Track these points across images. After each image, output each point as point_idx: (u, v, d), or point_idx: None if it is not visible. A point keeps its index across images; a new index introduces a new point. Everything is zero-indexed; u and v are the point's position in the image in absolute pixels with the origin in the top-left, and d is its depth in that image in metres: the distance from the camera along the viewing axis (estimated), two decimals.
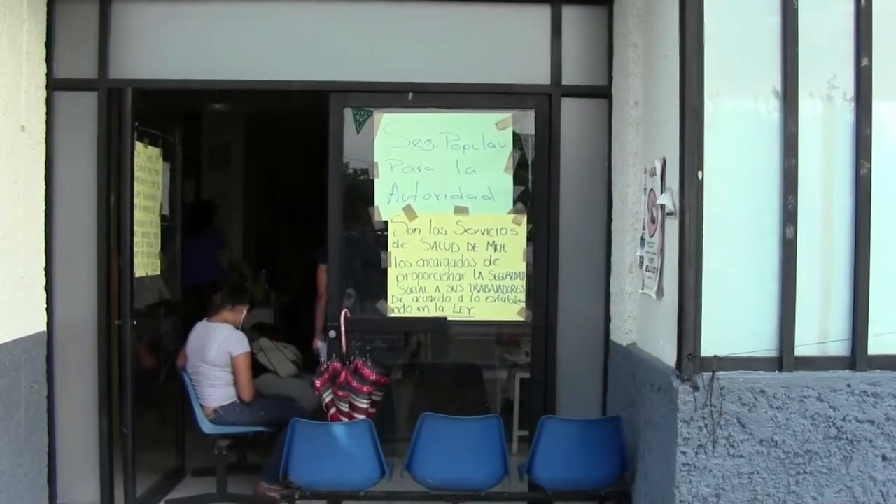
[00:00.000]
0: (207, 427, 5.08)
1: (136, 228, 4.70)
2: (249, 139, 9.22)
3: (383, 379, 4.62)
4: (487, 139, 4.68)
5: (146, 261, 4.95)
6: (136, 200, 4.67)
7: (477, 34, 4.74)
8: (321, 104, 4.68)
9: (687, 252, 3.45)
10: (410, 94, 4.68)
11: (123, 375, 4.68)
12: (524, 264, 4.70)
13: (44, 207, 4.57)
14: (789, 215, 3.48)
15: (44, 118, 4.57)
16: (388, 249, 4.69)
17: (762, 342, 3.50)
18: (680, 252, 3.49)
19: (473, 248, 4.69)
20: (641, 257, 4.19)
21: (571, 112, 4.73)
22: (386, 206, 4.69)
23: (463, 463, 4.08)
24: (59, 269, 4.64)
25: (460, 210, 4.68)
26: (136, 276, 4.76)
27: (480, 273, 4.69)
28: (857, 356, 3.51)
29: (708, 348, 3.45)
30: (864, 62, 3.50)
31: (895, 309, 3.55)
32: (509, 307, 4.70)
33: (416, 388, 5.90)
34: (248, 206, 9.31)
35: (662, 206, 3.78)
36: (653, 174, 3.98)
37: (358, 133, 4.72)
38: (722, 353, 3.45)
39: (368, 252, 4.85)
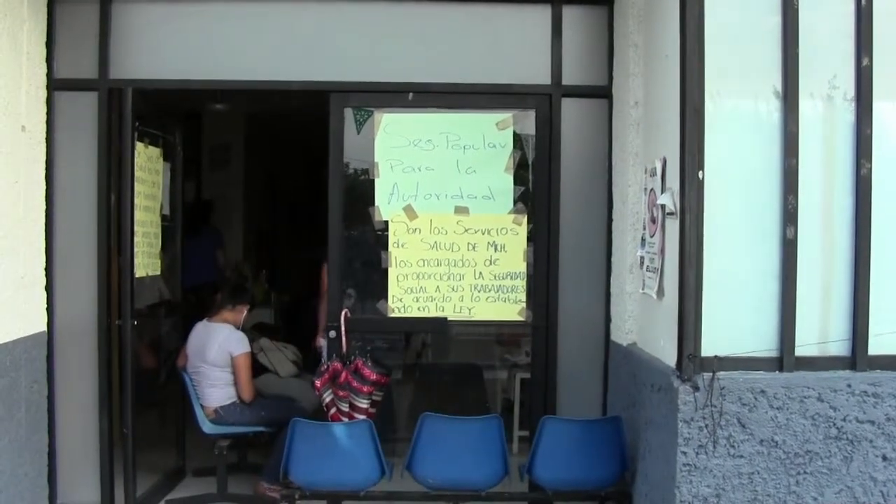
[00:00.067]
0: (208, 427, 5.08)
1: (136, 228, 4.69)
2: (250, 139, 9.22)
3: (383, 379, 4.62)
4: (488, 139, 4.68)
5: (146, 261, 4.95)
6: (136, 200, 4.67)
7: (477, 34, 4.74)
8: (321, 104, 4.68)
9: (687, 252, 3.45)
10: (411, 95, 4.68)
11: (124, 375, 4.68)
12: (524, 264, 4.70)
13: (44, 207, 4.57)
14: (790, 215, 3.48)
15: (44, 118, 4.57)
16: (389, 249, 4.69)
17: (763, 342, 3.50)
18: (680, 252, 3.49)
19: (474, 248, 4.69)
20: (642, 257, 4.19)
21: (572, 112, 4.73)
22: (386, 206, 4.69)
23: (463, 463, 4.08)
24: (60, 269, 4.64)
25: (461, 210, 4.68)
26: (137, 276, 4.76)
27: (481, 273, 4.69)
28: (857, 356, 3.51)
29: (708, 348, 3.45)
30: (865, 62, 3.51)
31: (895, 309, 3.55)
32: (510, 307, 4.70)
33: (416, 389, 5.90)
34: (248, 206, 9.31)
35: (663, 207, 3.78)
36: (653, 174, 3.98)
37: (358, 133, 4.72)
38: (722, 353, 3.45)
39: (369, 252, 4.85)
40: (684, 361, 3.43)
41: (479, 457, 4.10)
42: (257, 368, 5.49)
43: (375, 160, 4.70)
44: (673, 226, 3.64)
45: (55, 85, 4.61)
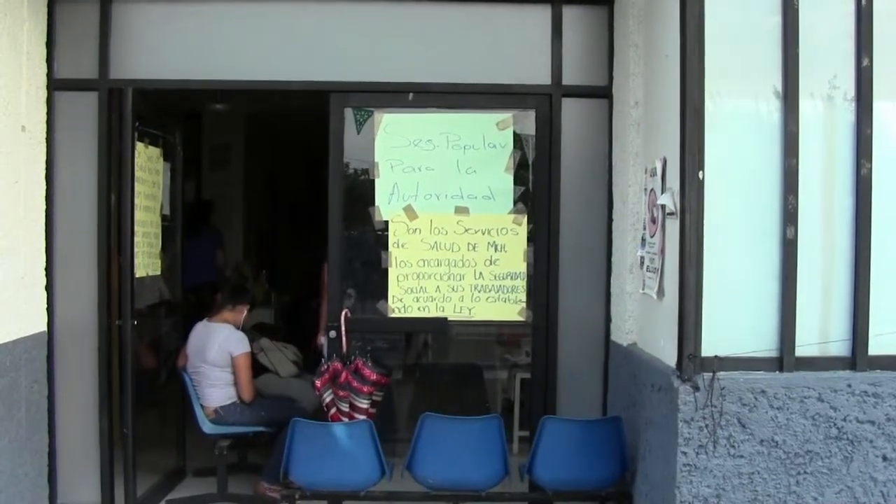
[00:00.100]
0: (208, 427, 5.08)
1: (136, 228, 4.69)
2: (250, 139, 9.22)
3: (384, 379, 4.62)
4: (488, 139, 4.68)
5: (147, 261, 4.95)
6: (136, 200, 4.67)
7: (477, 34, 4.74)
8: (321, 104, 4.68)
9: (687, 252, 3.45)
10: (411, 95, 4.68)
11: (124, 375, 4.68)
12: (525, 264, 4.70)
13: (44, 207, 4.57)
14: (790, 215, 3.48)
15: (44, 118, 4.57)
16: (389, 249, 4.69)
17: (763, 342, 3.50)
18: (680, 252, 3.49)
19: (474, 248, 4.68)
20: (642, 257, 4.19)
21: (572, 112, 4.72)
22: (386, 206, 4.69)
23: (463, 463, 4.08)
24: (60, 269, 4.64)
25: (461, 210, 4.68)
26: (137, 276, 4.76)
27: (481, 273, 4.69)
28: (857, 356, 3.51)
29: (708, 348, 3.45)
30: (865, 62, 3.51)
31: (895, 309, 3.55)
32: (510, 307, 4.70)
33: (416, 389, 5.90)
34: (248, 206, 9.31)
35: (663, 207, 3.77)
36: (653, 174, 3.98)
37: (358, 133, 4.72)
38: (722, 353, 3.45)
39: (369, 252, 4.85)
40: (684, 361, 3.43)
41: (479, 457, 4.10)
42: (257, 368, 5.49)
43: (375, 160, 4.70)
44: (673, 226, 3.64)
45: (55, 85, 4.61)
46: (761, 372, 3.47)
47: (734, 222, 3.51)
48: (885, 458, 3.45)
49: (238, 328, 5.25)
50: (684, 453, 3.41)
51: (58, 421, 4.63)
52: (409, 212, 4.69)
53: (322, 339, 5.21)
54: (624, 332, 4.40)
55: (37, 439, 4.43)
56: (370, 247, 4.85)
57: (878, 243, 3.52)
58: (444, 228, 4.68)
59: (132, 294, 4.65)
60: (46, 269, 4.57)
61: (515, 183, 4.69)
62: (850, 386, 3.45)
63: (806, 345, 3.51)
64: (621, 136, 4.50)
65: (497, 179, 4.68)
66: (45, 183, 4.57)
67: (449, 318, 4.69)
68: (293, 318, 7.84)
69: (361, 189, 4.80)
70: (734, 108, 3.51)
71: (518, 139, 4.71)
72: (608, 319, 4.67)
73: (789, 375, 3.46)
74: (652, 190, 4.01)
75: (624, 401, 4.27)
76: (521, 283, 4.69)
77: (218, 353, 5.06)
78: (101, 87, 4.65)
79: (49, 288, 4.59)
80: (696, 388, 3.40)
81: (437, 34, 4.75)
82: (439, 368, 6.10)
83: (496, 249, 4.69)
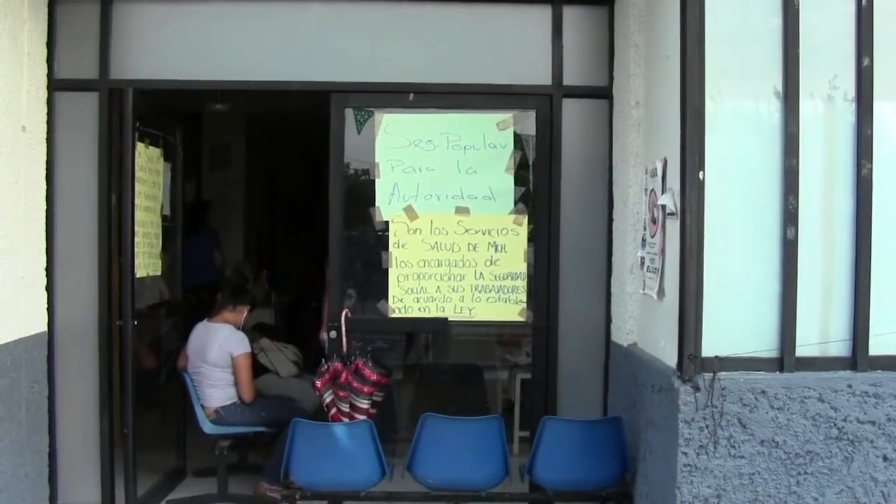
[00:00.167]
0: (208, 427, 5.08)
1: (136, 229, 4.69)
2: (250, 139, 9.22)
3: (384, 379, 4.62)
4: (488, 140, 4.68)
5: (147, 261, 4.95)
6: (136, 201, 4.67)
7: (477, 34, 4.73)
8: (321, 105, 4.68)
9: (688, 253, 3.45)
10: (411, 95, 4.68)
11: (124, 376, 4.68)
12: (525, 265, 4.70)
13: (45, 208, 4.57)
14: (790, 216, 3.48)
15: (45, 118, 4.57)
16: (389, 250, 4.69)
17: (763, 342, 3.50)
18: (681, 253, 3.49)
19: (474, 248, 4.68)
20: (642, 258, 4.19)
21: (572, 112, 4.72)
22: (387, 206, 4.69)
23: (464, 463, 4.08)
24: (60, 270, 4.64)
25: (461, 210, 4.68)
26: (137, 276, 4.76)
27: (481, 273, 4.69)
28: (858, 357, 3.51)
29: (709, 349, 3.45)
30: (866, 62, 3.51)
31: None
32: (510, 308, 4.70)
33: (416, 389, 5.90)
34: (248, 206, 9.30)
35: (663, 207, 3.77)
36: (654, 175, 3.98)
37: (359, 133, 4.72)
38: (723, 353, 3.46)
39: (369, 252, 4.85)
40: (685, 362, 3.43)
41: (479, 457, 4.10)
42: (258, 369, 5.49)
43: (376, 160, 4.70)
44: (673, 226, 3.64)
45: (56, 85, 4.61)
46: (762, 372, 3.47)
47: (734, 222, 3.51)
48: (885, 459, 3.45)
49: (238, 328, 5.25)
50: (685, 454, 3.41)
51: (58, 421, 4.63)
52: (410, 212, 4.69)
53: (324, 335, 5.20)
54: (624, 332, 4.40)
55: (37, 439, 4.43)
56: (371, 247, 4.85)
57: (879, 243, 3.52)
58: (445, 229, 4.68)
59: (132, 294, 4.65)
60: (47, 270, 4.57)
61: (516, 183, 4.69)
62: (850, 386, 3.45)
63: (806, 345, 3.51)
64: (622, 137, 4.50)
65: (497, 180, 4.68)
66: (45, 183, 4.57)
67: (449, 319, 4.69)
68: (293, 319, 7.84)
69: (362, 189, 4.80)
70: (734, 108, 3.52)
71: (518, 139, 4.71)
72: (608, 320, 4.67)
73: (790, 376, 3.46)
74: (652, 190, 4.01)
75: (624, 401, 4.27)
76: (522, 284, 4.69)
77: (218, 354, 5.06)
78: (101, 88, 4.65)
79: (49, 288, 4.59)
80: (697, 389, 3.40)
81: (437, 34, 4.75)
82: (440, 369, 6.10)
83: (496, 250, 4.68)
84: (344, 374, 4.52)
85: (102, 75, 4.66)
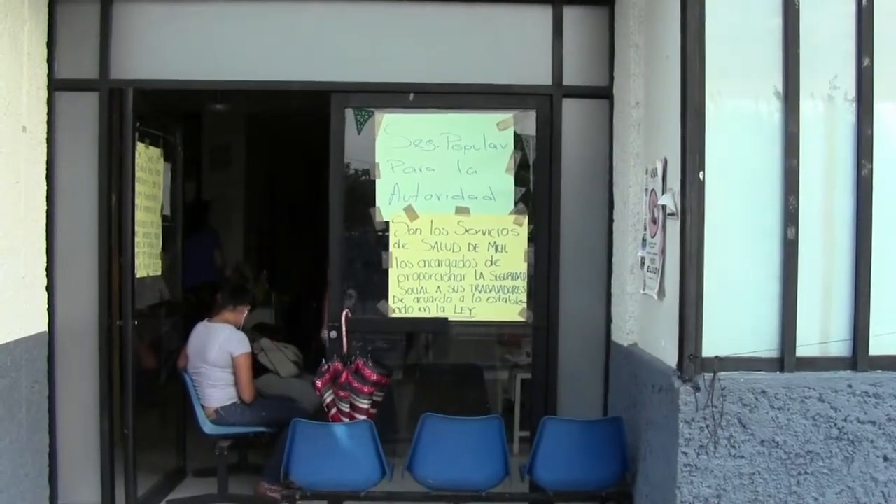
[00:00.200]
0: (208, 427, 5.08)
1: (137, 229, 4.69)
2: (250, 139, 9.22)
3: (384, 379, 4.62)
4: (488, 140, 4.68)
5: (147, 261, 4.95)
6: (137, 201, 4.67)
7: (477, 34, 4.73)
8: (322, 105, 4.68)
9: (688, 253, 3.45)
10: (411, 95, 4.68)
11: (124, 376, 4.68)
12: (525, 265, 4.70)
13: (45, 208, 4.57)
14: (790, 216, 3.48)
15: (45, 118, 4.57)
16: (390, 250, 4.69)
17: (763, 343, 3.50)
18: (681, 253, 3.49)
19: (474, 248, 4.68)
20: (643, 258, 4.19)
21: (573, 113, 4.72)
22: (387, 206, 4.69)
23: (464, 463, 4.08)
24: (61, 270, 4.64)
25: (461, 210, 4.68)
26: (138, 276, 4.76)
27: (481, 273, 4.69)
28: (858, 357, 3.51)
29: (709, 349, 3.45)
30: (866, 62, 3.51)
31: None
32: (510, 308, 4.70)
33: (417, 389, 5.90)
34: (248, 206, 9.31)
35: (664, 207, 3.77)
36: (654, 175, 3.98)
37: (359, 133, 4.72)
38: (723, 353, 3.45)
39: (369, 252, 4.85)
40: (685, 362, 3.43)
41: (479, 457, 4.10)
42: (258, 369, 5.49)
43: (376, 160, 4.69)
44: (674, 226, 3.64)
45: (56, 85, 4.61)
46: (762, 372, 3.47)
47: (735, 223, 3.51)
48: (885, 459, 3.45)
49: (239, 328, 5.25)
50: (685, 454, 3.41)
51: (58, 421, 4.63)
52: (410, 212, 4.69)
53: (325, 334, 5.20)
54: (625, 332, 4.40)
55: (37, 440, 4.43)
56: (371, 247, 4.85)
57: (879, 243, 3.52)
58: (445, 229, 4.68)
59: (133, 294, 4.66)
60: (47, 270, 4.57)
61: (516, 183, 4.69)
62: (850, 386, 3.45)
63: (806, 345, 3.51)
64: (622, 137, 4.50)
65: (498, 180, 4.68)
66: (45, 183, 4.57)
67: (449, 319, 4.69)
68: (293, 319, 7.84)
69: (362, 189, 4.80)
70: (735, 108, 3.52)
71: (519, 139, 4.71)
72: (609, 320, 4.66)
73: (790, 376, 3.46)
74: (653, 190, 4.01)
75: (624, 401, 4.27)
76: (522, 284, 4.69)
77: (218, 354, 5.06)
78: (101, 88, 4.65)
79: (50, 288, 4.59)
80: (697, 389, 3.40)
81: (437, 34, 4.75)
82: (440, 369, 6.10)
83: (497, 250, 4.68)
84: (344, 374, 4.52)
85: (102, 75, 4.66)
